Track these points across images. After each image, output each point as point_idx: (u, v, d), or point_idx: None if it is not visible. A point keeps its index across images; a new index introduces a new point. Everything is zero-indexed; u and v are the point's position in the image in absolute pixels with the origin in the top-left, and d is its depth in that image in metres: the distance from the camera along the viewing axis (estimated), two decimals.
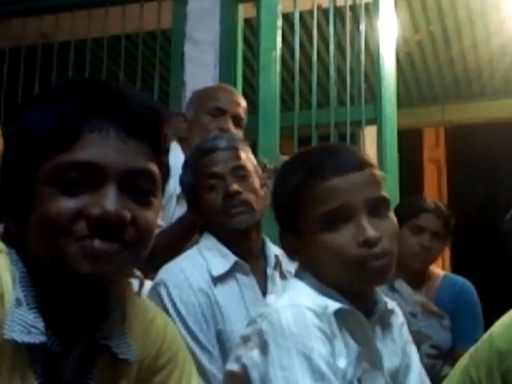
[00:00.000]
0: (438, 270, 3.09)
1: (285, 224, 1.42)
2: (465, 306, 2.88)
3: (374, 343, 1.38)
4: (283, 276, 2.03)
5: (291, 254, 1.42)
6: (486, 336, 1.71)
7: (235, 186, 1.99)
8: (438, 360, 2.73)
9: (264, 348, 1.28)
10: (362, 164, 1.37)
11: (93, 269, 0.99)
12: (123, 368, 1.11)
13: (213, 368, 1.82)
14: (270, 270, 2.03)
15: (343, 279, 1.35)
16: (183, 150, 2.68)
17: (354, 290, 1.37)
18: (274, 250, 2.06)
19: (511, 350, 1.58)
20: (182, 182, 2.14)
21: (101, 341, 1.07)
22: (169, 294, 1.90)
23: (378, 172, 1.38)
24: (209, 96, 2.84)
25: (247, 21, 3.73)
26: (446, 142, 6.69)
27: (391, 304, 1.48)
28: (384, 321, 1.44)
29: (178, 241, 2.28)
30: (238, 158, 2.06)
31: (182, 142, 2.75)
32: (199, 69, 3.66)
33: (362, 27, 3.75)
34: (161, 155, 1.09)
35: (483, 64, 5.21)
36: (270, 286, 1.99)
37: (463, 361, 1.75)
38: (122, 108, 1.04)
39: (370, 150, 4.65)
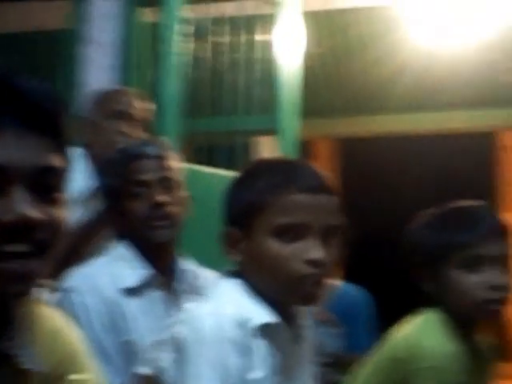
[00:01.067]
0: (333, 279, 3.14)
1: (236, 221, 1.41)
2: (358, 314, 2.94)
3: (293, 355, 1.41)
4: (193, 293, 2.01)
5: (230, 249, 1.41)
6: (386, 343, 1.76)
7: (161, 198, 1.96)
8: (330, 367, 2.78)
9: (181, 354, 1.28)
10: (332, 189, 1.41)
11: (7, 288, 0.95)
12: (27, 378, 1.06)
13: (116, 380, 1.79)
14: (178, 286, 2.01)
15: (276, 289, 1.37)
16: (86, 153, 2.61)
17: (282, 301, 1.39)
18: (185, 265, 2.05)
19: (409, 357, 1.65)
20: (103, 185, 2.09)
21: (3, 350, 1.02)
22: (81, 301, 1.87)
23: (338, 200, 1.42)
24: (111, 99, 2.77)
25: (155, 25, 3.69)
26: (341, 154, 6.83)
27: (307, 317, 1.50)
28: (301, 333, 1.46)
29: (83, 245, 2.23)
30: (167, 168, 2.02)
31: (85, 145, 2.67)
32: (99, 71, 3.60)
33: (267, 37, 3.79)
34: (63, 148, 1.02)
35: (383, 79, 5.35)
36: (177, 301, 1.96)
37: (365, 368, 1.80)
38: (22, 101, 0.97)
39: None
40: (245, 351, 1.28)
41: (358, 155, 6.31)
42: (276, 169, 1.43)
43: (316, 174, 1.41)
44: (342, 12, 4.40)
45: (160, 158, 2.02)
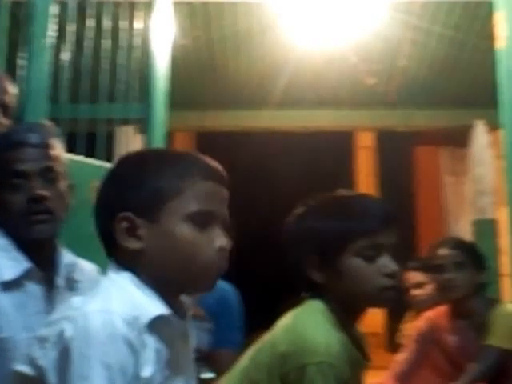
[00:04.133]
0: None
1: (135, 207, 1.35)
2: (227, 310, 2.94)
3: (181, 349, 1.37)
4: (71, 287, 1.91)
5: (127, 236, 1.35)
6: (266, 337, 1.74)
7: (42, 192, 1.82)
8: (198, 362, 2.76)
9: (65, 353, 1.21)
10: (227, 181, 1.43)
11: None
12: None
13: None
14: (58, 280, 1.89)
15: (180, 277, 1.35)
16: None
17: (181, 290, 1.38)
18: (66, 259, 1.94)
19: (292, 353, 1.63)
20: None
21: None
22: None
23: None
24: None
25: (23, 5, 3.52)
26: (197, 148, 6.83)
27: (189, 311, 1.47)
28: (187, 327, 1.43)
29: None
30: (50, 157, 1.87)
31: None
32: None
33: (138, 25, 3.75)
34: None
35: (254, 75, 5.41)
36: (55, 296, 1.86)
37: (243, 362, 1.77)
38: None
39: (128, 150, 4.61)
40: (137, 348, 1.24)
41: (217, 149, 6.33)
42: (180, 157, 1.42)
43: (216, 165, 1.41)
44: (219, 5, 4.41)
45: (42, 146, 1.87)
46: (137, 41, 3.75)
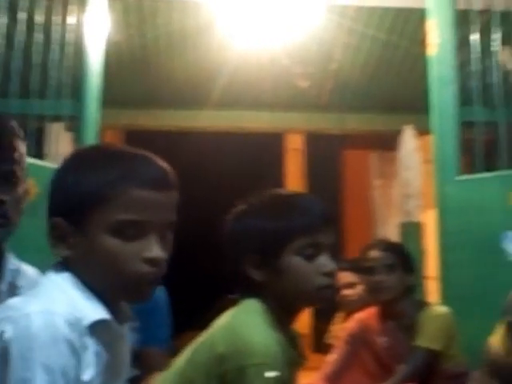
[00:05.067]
0: None
1: (65, 212, 1.30)
2: (155, 308, 2.91)
3: (122, 353, 1.35)
4: (14, 293, 1.85)
5: (57, 242, 1.31)
6: (204, 339, 1.72)
7: (1, 196, 1.71)
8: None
9: (5, 355, 1.18)
10: (174, 184, 1.34)
11: None
12: None
13: None
14: (1, 286, 1.80)
15: (109, 287, 1.30)
16: None
17: (113, 299, 1.33)
18: (11, 265, 1.85)
19: (231, 353, 1.61)
20: None
21: None
22: None
23: (177, 195, 1.36)
24: None
25: None
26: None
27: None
28: (124, 330, 1.40)
29: None
30: (12, 160, 1.75)
31: None
32: None
33: (71, 20, 3.69)
34: None
35: (189, 75, 5.37)
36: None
37: (179, 362, 1.75)
38: None
39: (58, 147, 4.53)
40: (78, 351, 1.22)
41: (149, 148, 6.28)
42: (116, 160, 1.33)
43: (158, 167, 1.33)
44: (153, 2, 4.36)
45: (7, 148, 1.76)
46: (70, 36, 3.68)
